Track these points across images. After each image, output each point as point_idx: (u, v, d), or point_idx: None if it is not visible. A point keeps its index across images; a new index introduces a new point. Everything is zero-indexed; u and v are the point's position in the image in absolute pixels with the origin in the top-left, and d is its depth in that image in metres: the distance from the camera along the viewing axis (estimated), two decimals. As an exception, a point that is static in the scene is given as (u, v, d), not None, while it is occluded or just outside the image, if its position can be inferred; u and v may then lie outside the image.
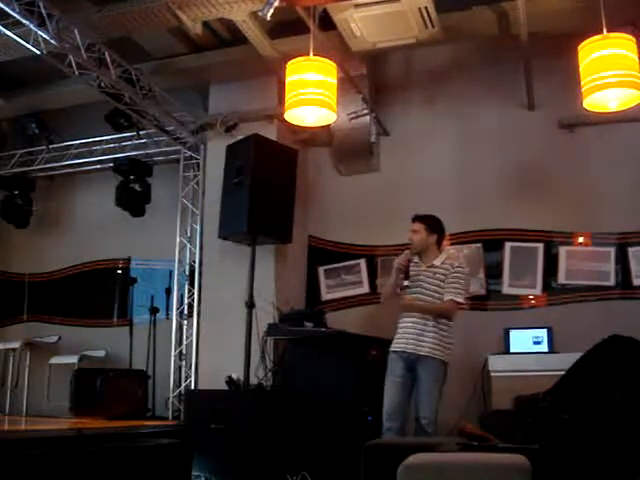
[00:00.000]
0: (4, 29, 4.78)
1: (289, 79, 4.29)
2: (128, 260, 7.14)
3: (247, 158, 5.40)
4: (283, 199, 5.56)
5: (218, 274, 6.01)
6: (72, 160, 7.20)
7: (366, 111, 5.73)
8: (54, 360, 6.70)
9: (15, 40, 4.93)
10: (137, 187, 6.75)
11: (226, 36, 5.88)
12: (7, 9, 4.52)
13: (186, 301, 6.51)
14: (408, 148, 6.13)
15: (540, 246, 5.57)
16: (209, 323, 5.99)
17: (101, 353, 6.70)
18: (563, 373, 3.30)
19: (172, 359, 6.36)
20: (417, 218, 4.42)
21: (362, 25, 4.98)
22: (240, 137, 5.73)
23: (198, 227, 6.55)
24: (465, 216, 5.70)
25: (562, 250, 5.52)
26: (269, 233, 5.50)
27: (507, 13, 4.97)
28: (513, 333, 5.19)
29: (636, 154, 5.38)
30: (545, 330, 5.09)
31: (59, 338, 6.93)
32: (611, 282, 5.33)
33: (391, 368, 4.32)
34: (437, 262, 4.34)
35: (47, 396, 6.54)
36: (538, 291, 5.53)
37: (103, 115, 6.53)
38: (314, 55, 4.28)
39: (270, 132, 5.81)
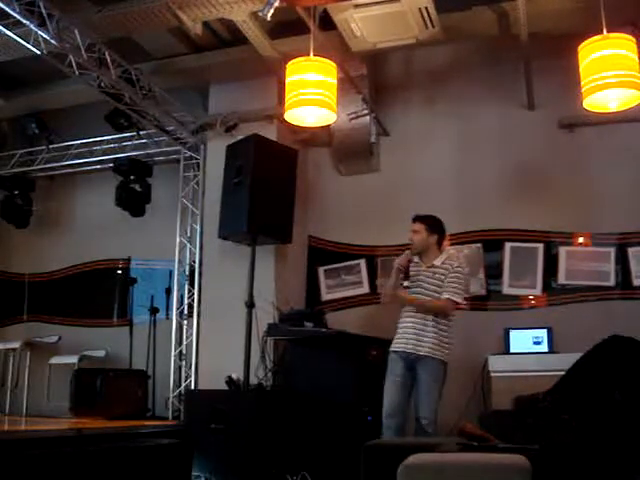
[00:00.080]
0: (4, 29, 4.79)
1: (289, 79, 4.29)
2: (128, 260, 7.14)
3: (247, 158, 5.40)
4: (283, 199, 5.56)
5: (218, 274, 6.01)
6: (72, 160, 7.20)
7: (366, 111, 5.73)
8: (54, 360, 6.70)
9: (15, 40, 4.93)
10: (137, 187, 6.76)
11: (226, 36, 5.88)
12: (7, 9, 4.53)
13: (186, 301, 6.51)
14: (408, 148, 6.13)
15: (540, 246, 5.57)
16: (209, 323, 5.99)
17: (101, 353, 6.70)
18: (563, 373, 3.30)
19: (172, 359, 6.36)
20: (418, 218, 4.42)
21: (362, 25, 4.98)
22: (240, 137, 5.74)
23: (198, 227, 6.55)
24: (465, 216, 5.70)
25: (562, 250, 5.52)
26: (269, 233, 5.50)
27: (507, 13, 4.97)
28: (513, 333, 5.19)
29: (636, 154, 5.38)
30: (545, 330, 5.10)
31: (59, 338, 6.93)
32: (611, 282, 5.34)
33: (391, 368, 4.33)
34: (437, 262, 4.34)
35: (47, 396, 6.54)
36: (538, 291, 5.53)
37: (103, 115, 6.52)
38: (314, 55, 4.28)
39: (270, 132, 5.81)
